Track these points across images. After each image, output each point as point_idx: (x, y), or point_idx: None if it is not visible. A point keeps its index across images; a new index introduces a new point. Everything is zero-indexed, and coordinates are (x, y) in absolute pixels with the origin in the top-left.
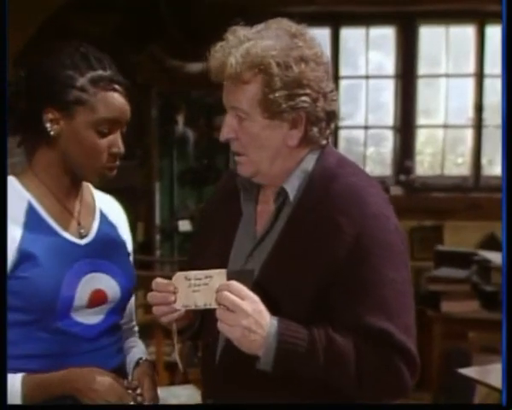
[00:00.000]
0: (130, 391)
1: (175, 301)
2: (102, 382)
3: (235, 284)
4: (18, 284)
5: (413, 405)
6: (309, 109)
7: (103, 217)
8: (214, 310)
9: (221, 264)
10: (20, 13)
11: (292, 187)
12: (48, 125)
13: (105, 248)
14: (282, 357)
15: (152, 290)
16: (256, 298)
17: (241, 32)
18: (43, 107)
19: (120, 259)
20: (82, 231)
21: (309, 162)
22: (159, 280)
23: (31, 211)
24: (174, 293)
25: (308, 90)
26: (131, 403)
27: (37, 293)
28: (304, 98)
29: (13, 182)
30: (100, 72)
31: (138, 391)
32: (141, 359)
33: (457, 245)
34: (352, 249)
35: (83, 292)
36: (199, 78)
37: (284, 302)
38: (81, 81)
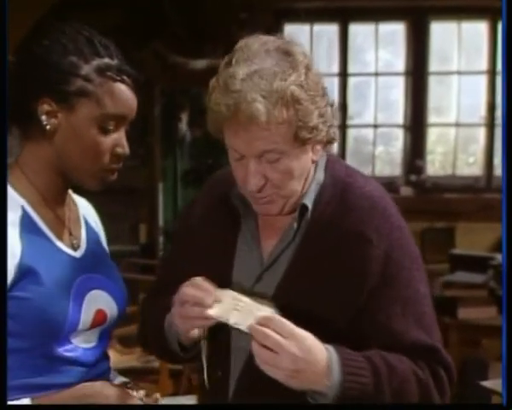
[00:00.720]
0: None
1: (211, 307)
2: (118, 395)
3: (277, 320)
4: (15, 306)
5: (413, 405)
6: (332, 115)
7: (88, 224)
8: (224, 340)
9: (222, 287)
10: (16, 10)
11: (309, 201)
12: (43, 117)
13: (97, 261)
14: (346, 390)
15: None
16: (302, 333)
17: (237, 71)
18: (39, 97)
19: (111, 272)
20: (74, 241)
21: (319, 172)
22: (199, 280)
23: (26, 218)
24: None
25: (326, 97)
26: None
27: (41, 316)
28: (327, 109)
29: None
30: (107, 60)
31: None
32: (129, 383)
33: (470, 247)
34: (383, 264)
35: (87, 314)
36: (203, 74)
37: (310, 331)
38: (86, 69)
